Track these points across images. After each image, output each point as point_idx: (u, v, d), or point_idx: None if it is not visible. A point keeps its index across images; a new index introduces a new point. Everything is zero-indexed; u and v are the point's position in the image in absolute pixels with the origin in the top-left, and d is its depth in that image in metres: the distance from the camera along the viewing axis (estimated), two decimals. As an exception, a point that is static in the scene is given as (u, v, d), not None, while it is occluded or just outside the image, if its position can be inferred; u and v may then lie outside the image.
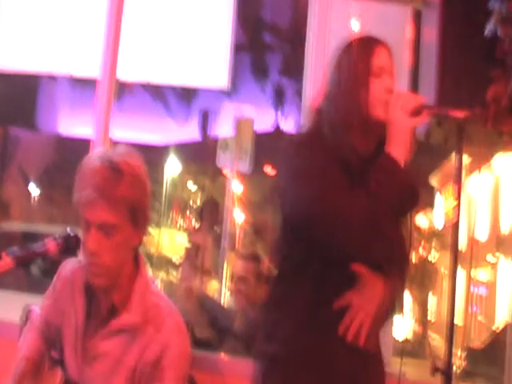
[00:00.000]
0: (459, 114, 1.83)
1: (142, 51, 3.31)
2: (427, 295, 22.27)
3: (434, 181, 25.67)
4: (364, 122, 1.87)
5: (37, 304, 2.19)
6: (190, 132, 24.33)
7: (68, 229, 1.95)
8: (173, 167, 21.43)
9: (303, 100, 2.88)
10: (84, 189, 1.76)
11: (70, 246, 1.90)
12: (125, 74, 3.22)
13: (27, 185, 22.31)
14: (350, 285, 1.82)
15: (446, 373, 1.77)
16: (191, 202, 23.62)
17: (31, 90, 20.98)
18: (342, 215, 1.70)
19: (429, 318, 22.29)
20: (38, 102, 23.32)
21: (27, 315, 2.16)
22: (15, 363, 1.95)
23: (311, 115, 1.96)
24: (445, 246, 19.94)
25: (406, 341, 18.23)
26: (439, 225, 23.26)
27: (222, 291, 7.79)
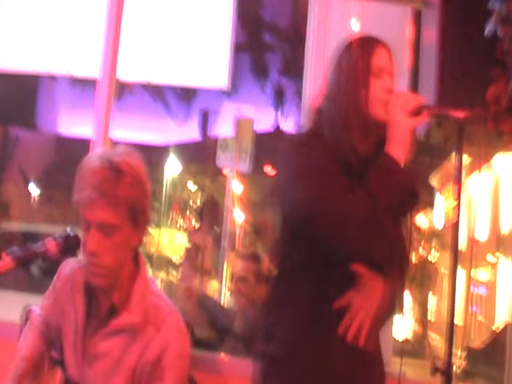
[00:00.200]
0: (459, 114, 1.83)
1: (141, 51, 3.31)
2: (427, 295, 22.27)
3: (434, 181, 25.67)
4: (364, 122, 1.86)
5: (37, 304, 2.19)
6: (190, 132, 24.34)
7: (68, 229, 1.95)
8: (173, 167, 21.42)
9: (303, 100, 2.88)
10: (84, 189, 1.76)
11: (69, 246, 1.90)
12: (125, 73, 3.21)
13: (27, 185, 22.30)
14: (349, 285, 1.82)
15: (446, 373, 1.77)
16: (191, 202, 23.62)
17: (31, 89, 21.00)
18: (341, 215, 1.70)
19: (429, 317, 22.29)
20: (38, 102, 23.33)
21: (27, 315, 2.16)
22: (15, 363, 1.95)
23: (311, 115, 1.96)
24: (445, 246, 19.93)
25: (406, 341, 18.23)
26: (439, 225, 23.26)
27: (221, 291, 7.80)
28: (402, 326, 14.09)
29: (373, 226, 1.70)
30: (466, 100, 2.40)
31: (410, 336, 20.48)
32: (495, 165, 19.57)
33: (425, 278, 21.06)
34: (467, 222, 20.56)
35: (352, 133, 1.85)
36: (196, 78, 3.42)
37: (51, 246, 1.87)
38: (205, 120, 24.29)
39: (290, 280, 1.88)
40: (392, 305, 1.90)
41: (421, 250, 21.24)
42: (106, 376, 1.81)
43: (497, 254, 20.10)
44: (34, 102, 22.77)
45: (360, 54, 1.89)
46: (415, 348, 18.62)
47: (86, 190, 1.75)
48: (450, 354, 1.79)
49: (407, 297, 19.90)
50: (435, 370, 1.78)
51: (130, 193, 1.78)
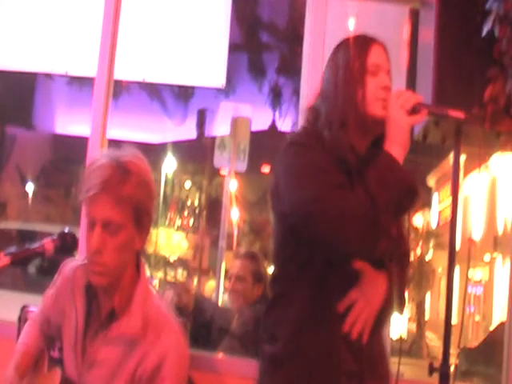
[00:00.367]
0: (457, 114, 1.83)
1: (138, 50, 3.30)
2: (424, 295, 22.30)
3: (431, 181, 25.70)
4: (361, 121, 1.87)
5: (34, 304, 2.18)
6: (187, 131, 24.35)
7: (65, 228, 1.95)
8: (170, 166, 21.43)
9: (301, 99, 2.87)
10: (90, 186, 1.77)
11: (67, 246, 1.90)
12: (122, 72, 3.21)
13: (24, 184, 22.29)
14: (350, 284, 1.82)
15: (444, 372, 1.77)
16: (189, 202, 23.62)
17: (28, 88, 20.97)
18: (340, 214, 1.69)
19: (426, 317, 22.32)
20: (35, 101, 23.31)
21: (25, 316, 2.16)
22: (14, 359, 1.95)
23: (308, 114, 1.96)
24: (442, 246, 19.96)
25: (404, 340, 18.24)
26: (436, 225, 23.30)
27: (219, 290, 7.80)
28: (400, 326, 14.11)
29: (372, 224, 1.70)
30: (463, 100, 2.40)
31: (407, 336, 20.51)
32: (492, 165, 19.60)
33: (422, 277, 21.09)
34: (464, 222, 20.59)
35: (349, 131, 1.85)
36: (193, 76, 3.42)
37: (48, 244, 1.87)
38: (202, 119, 24.29)
39: (290, 280, 1.88)
40: (394, 302, 1.89)
41: (418, 249, 21.27)
42: (105, 381, 1.81)
43: (494, 254, 20.14)
44: (31, 100, 22.75)
45: (356, 52, 1.90)
46: (412, 348, 18.66)
47: (93, 188, 1.76)
48: (447, 353, 1.79)
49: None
50: (433, 369, 1.78)
51: (136, 193, 1.78)
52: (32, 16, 3.40)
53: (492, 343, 11.62)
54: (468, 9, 2.59)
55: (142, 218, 1.82)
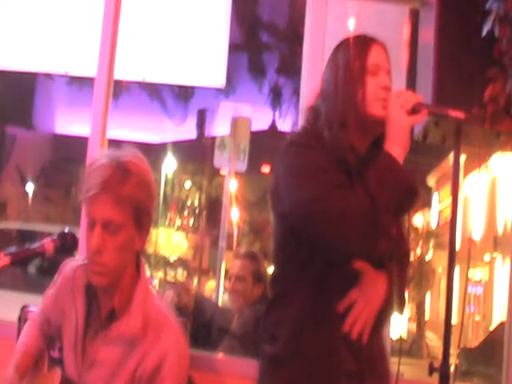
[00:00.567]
0: (457, 114, 1.83)
1: (138, 50, 3.30)
2: (424, 295, 22.30)
3: (431, 181, 25.70)
4: (361, 121, 1.87)
5: (34, 304, 2.18)
6: (187, 131, 24.35)
7: (65, 228, 1.95)
8: (170, 166, 21.42)
9: (301, 99, 2.87)
10: (90, 186, 1.77)
11: (67, 246, 1.90)
12: (122, 72, 3.21)
13: (24, 183, 22.29)
14: (350, 284, 1.82)
15: (444, 372, 1.77)
16: (189, 202, 23.63)
17: (28, 88, 20.97)
18: (340, 213, 1.69)
19: (426, 317, 22.32)
20: (35, 101, 23.31)
21: (25, 316, 2.16)
22: (14, 358, 1.95)
23: (308, 114, 1.96)
24: (442, 246, 19.96)
25: (404, 340, 18.24)
26: (436, 225, 23.30)
27: (219, 290, 7.80)
28: (400, 326, 14.11)
29: (372, 224, 1.70)
30: (463, 100, 2.40)
31: (407, 336, 20.51)
32: (492, 165, 19.61)
33: (422, 277, 21.09)
34: (464, 222, 20.59)
35: (349, 131, 1.85)
36: (193, 76, 3.42)
37: (48, 245, 1.87)
38: (202, 119, 24.29)
39: (290, 280, 1.88)
40: (394, 301, 1.89)
41: (418, 250, 21.27)
42: (105, 381, 1.81)
43: (494, 253, 20.14)
44: (31, 100, 22.76)
45: (356, 52, 1.90)
46: (412, 348, 18.65)
47: (93, 187, 1.76)
48: (447, 353, 1.79)
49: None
50: (433, 369, 1.78)
51: (136, 193, 1.79)
52: (32, 16, 3.40)
53: (492, 343, 11.61)
54: (468, 9, 2.59)
55: (142, 218, 1.82)
